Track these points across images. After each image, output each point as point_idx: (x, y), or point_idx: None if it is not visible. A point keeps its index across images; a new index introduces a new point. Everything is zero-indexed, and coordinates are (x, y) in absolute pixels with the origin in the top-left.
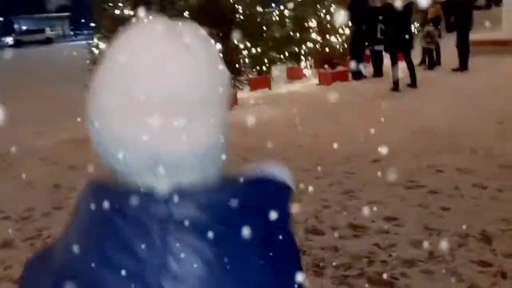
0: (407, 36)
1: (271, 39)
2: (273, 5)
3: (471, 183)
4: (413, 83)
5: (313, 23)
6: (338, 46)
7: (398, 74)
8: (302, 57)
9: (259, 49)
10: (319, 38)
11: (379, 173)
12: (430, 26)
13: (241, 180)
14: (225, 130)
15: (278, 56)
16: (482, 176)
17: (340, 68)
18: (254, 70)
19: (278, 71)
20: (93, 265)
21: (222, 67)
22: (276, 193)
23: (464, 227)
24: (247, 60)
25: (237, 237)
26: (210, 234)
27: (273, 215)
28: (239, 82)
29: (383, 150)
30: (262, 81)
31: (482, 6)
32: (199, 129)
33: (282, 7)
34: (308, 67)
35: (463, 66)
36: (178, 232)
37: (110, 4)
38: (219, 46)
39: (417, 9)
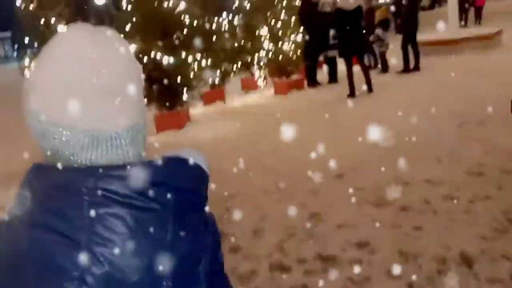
0: (359, 40)
1: (222, 50)
2: (223, 14)
3: (441, 195)
4: (369, 88)
5: (264, 31)
6: (291, 54)
7: (353, 79)
8: (256, 67)
9: (209, 61)
10: (271, 46)
11: (344, 191)
12: (378, 29)
13: (160, 159)
14: (145, 114)
15: (231, 67)
16: (451, 186)
17: (295, 77)
18: (205, 83)
19: (231, 83)
20: (34, 227)
21: (136, 62)
22: (190, 172)
23: (441, 249)
24: (197, 74)
25: (153, 208)
26: (131, 204)
27: (187, 193)
28: (191, 98)
29: (346, 163)
30: (216, 95)
31: (425, 7)
32: (126, 110)
33: (230, 16)
34: (263, 77)
35: (407, 67)
36: (104, 202)
37: (41, 21)
38: (167, 59)
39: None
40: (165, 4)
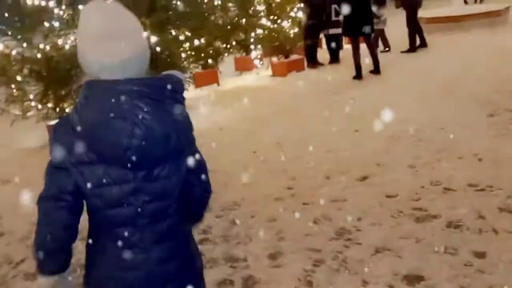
0: (367, 17)
1: (215, 28)
2: None
3: (496, 207)
4: (376, 69)
5: (261, 7)
6: (290, 32)
7: (360, 60)
8: (251, 46)
9: (202, 40)
10: (268, 24)
11: (373, 199)
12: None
13: (161, 75)
14: (146, 47)
15: (224, 46)
16: (504, 194)
17: (294, 57)
18: (198, 64)
19: (225, 63)
20: (98, 118)
21: (132, 18)
22: (180, 82)
23: None
24: (189, 53)
25: (165, 101)
26: (153, 99)
27: (180, 96)
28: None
29: (367, 161)
30: (208, 76)
31: None
32: (133, 44)
33: None
34: (259, 56)
35: (413, 46)
36: (137, 98)
37: None
38: (154, 38)
39: None
40: None
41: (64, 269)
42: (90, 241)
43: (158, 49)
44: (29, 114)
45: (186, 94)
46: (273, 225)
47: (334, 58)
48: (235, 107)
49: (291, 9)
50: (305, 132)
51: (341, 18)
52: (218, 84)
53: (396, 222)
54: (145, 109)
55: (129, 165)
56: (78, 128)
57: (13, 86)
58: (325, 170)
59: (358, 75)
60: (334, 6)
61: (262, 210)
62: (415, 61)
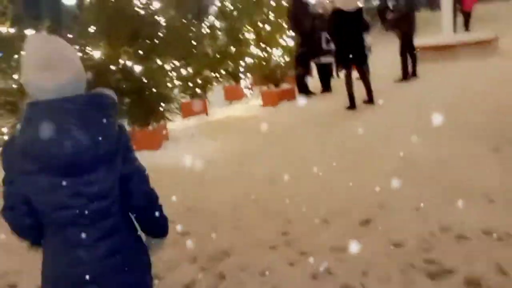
0: (360, 45)
1: (203, 56)
2: (204, 16)
3: None
4: (370, 99)
5: (250, 35)
6: (280, 60)
7: (352, 89)
8: (241, 75)
9: (190, 69)
10: (258, 52)
11: (380, 247)
12: None
13: (90, 93)
14: (81, 72)
15: (213, 75)
16: None
17: (285, 86)
18: (186, 94)
19: (214, 92)
20: (34, 134)
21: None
22: (108, 99)
23: None
24: (176, 83)
25: (94, 115)
26: (82, 114)
27: (108, 110)
28: (168, 111)
29: (367, 202)
30: (197, 106)
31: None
32: (67, 70)
33: (212, 18)
34: (248, 85)
35: (406, 74)
36: (67, 114)
37: None
38: (139, 68)
39: None
40: (135, 3)
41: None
42: (43, 241)
43: (143, 79)
44: None
45: (114, 110)
46: (267, 280)
47: (326, 87)
48: (224, 139)
49: (281, 37)
50: (299, 168)
51: (332, 46)
52: (207, 114)
53: (407, 278)
54: (74, 123)
55: (63, 172)
56: (20, 145)
57: None
58: (323, 212)
59: (352, 105)
60: (324, 34)
61: (254, 261)
62: (408, 90)
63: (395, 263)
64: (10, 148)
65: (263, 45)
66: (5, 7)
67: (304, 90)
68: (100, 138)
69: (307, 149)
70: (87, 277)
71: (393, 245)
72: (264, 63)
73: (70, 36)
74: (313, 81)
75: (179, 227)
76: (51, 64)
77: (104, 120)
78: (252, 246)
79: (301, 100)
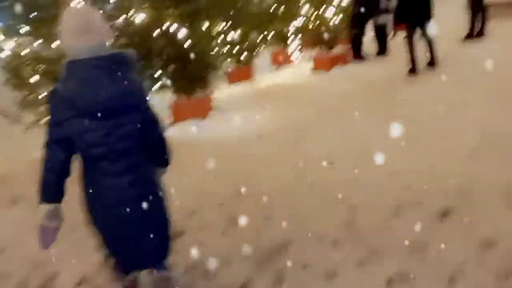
0: (426, 3)
1: (250, 18)
2: None
3: None
4: (432, 61)
5: None
6: (334, 21)
7: (414, 52)
8: (290, 37)
9: (237, 33)
10: (309, 12)
11: (467, 248)
12: None
13: (114, 53)
14: (106, 36)
15: (261, 38)
16: None
17: (338, 50)
18: (231, 59)
19: (260, 56)
20: (74, 85)
21: (100, 17)
22: (128, 57)
23: None
24: (222, 48)
25: (117, 70)
26: (109, 69)
27: (127, 67)
28: (214, 79)
29: (447, 188)
30: (243, 72)
31: None
32: (95, 36)
33: None
34: (298, 49)
35: (472, 32)
36: (99, 69)
37: None
38: (184, 31)
39: None
40: None
41: (58, 201)
42: (83, 173)
43: (189, 44)
44: (44, 120)
45: (134, 65)
46: (333, 283)
47: (382, 49)
48: (274, 110)
49: None
50: (359, 147)
51: (391, 4)
52: (254, 81)
53: None
54: (105, 77)
55: (98, 116)
56: (63, 94)
57: (26, 89)
58: (392, 200)
59: (413, 70)
60: None
61: (316, 260)
62: (477, 51)
63: (489, 270)
64: (54, 96)
65: (314, 4)
66: None
67: (360, 53)
68: (126, 89)
69: (367, 123)
70: (114, 200)
71: (483, 245)
72: (316, 24)
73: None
74: (368, 43)
75: (227, 214)
76: (82, 31)
77: (128, 75)
78: (312, 241)
79: (356, 65)
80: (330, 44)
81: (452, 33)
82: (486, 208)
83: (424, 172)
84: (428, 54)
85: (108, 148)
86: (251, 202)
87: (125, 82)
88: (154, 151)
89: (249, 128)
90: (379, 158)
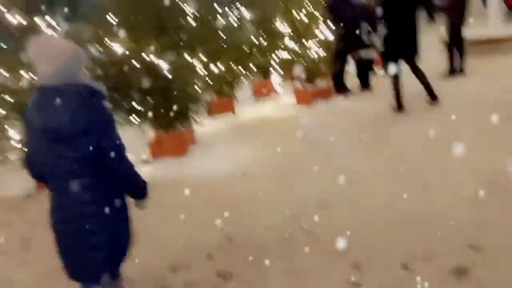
0: (412, 37)
1: (232, 50)
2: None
3: None
4: (433, 96)
5: (283, 27)
6: (316, 55)
7: (400, 87)
8: (271, 70)
9: (219, 65)
10: (292, 45)
11: None
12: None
13: (77, 84)
14: (69, 63)
15: (242, 70)
16: None
17: (320, 83)
18: (212, 91)
19: (241, 88)
20: (32, 108)
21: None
22: (95, 90)
23: None
24: (204, 81)
25: (75, 97)
26: (67, 97)
27: (92, 94)
28: (195, 113)
29: (458, 239)
30: (224, 105)
31: None
32: (56, 63)
33: (241, 8)
34: (279, 81)
35: (453, 69)
36: (55, 96)
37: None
38: (165, 64)
39: None
40: None
41: None
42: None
43: (169, 77)
44: (11, 157)
45: (104, 100)
46: None
47: (365, 84)
48: (258, 145)
49: (317, 29)
50: (353, 188)
51: (374, 39)
52: (234, 113)
53: None
54: (59, 104)
55: (53, 139)
56: (26, 116)
57: None
58: (400, 252)
59: (400, 106)
60: (365, 25)
61: None
62: (459, 88)
63: None
64: (23, 118)
65: (297, 38)
66: None
67: (342, 88)
68: (77, 118)
69: (358, 162)
70: (65, 219)
71: None
72: (298, 58)
73: (87, 27)
74: (351, 78)
75: (217, 269)
76: (41, 57)
77: (83, 104)
78: None
79: (339, 100)
80: (312, 78)
81: (433, 68)
82: (506, 267)
83: (430, 221)
84: (424, 90)
85: (63, 169)
86: (243, 253)
87: (78, 109)
88: (117, 180)
89: (233, 164)
90: (378, 201)
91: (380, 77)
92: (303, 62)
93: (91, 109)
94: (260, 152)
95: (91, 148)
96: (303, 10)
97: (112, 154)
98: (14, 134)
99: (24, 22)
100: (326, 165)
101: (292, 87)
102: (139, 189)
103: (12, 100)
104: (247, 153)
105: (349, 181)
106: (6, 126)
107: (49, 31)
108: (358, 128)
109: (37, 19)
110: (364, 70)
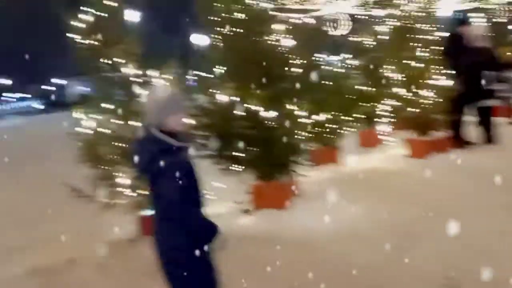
0: None
1: (338, 99)
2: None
3: None
4: None
5: (393, 74)
6: (431, 103)
7: None
8: (380, 119)
9: (323, 114)
10: (403, 93)
11: None
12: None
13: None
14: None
15: (348, 119)
16: None
17: (435, 134)
18: (316, 141)
19: (347, 137)
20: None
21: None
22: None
23: None
24: (307, 131)
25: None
26: (147, 147)
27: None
28: (298, 164)
29: None
30: (328, 155)
31: None
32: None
33: (346, 56)
34: (388, 131)
35: None
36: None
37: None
38: (268, 113)
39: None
40: (266, 42)
41: None
42: None
43: (272, 127)
44: (116, 202)
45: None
46: None
47: (489, 136)
48: (367, 202)
49: (432, 76)
50: (486, 262)
51: (496, 86)
52: (339, 164)
53: None
54: (144, 150)
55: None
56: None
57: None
58: None
59: None
60: (483, 72)
61: None
62: None
63: None
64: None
65: (409, 85)
66: (131, 46)
67: (462, 140)
68: (153, 164)
69: (489, 232)
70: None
71: None
72: (410, 106)
73: (195, 78)
74: (472, 128)
75: None
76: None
77: (156, 153)
78: None
79: (458, 153)
80: (426, 128)
81: None
82: None
83: None
84: None
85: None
86: None
87: (156, 159)
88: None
89: (339, 222)
90: None
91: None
92: (416, 110)
93: (167, 161)
94: (370, 212)
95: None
96: (416, 55)
97: (162, 199)
98: (124, 180)
99: (138, 73)
100: (453, 235)
101: (402, 138)
102: (193, 232)
103: (123, 146)
104: (355, 210)
105: (480, 258)
106: (117, 173)
107: (161, 83)
108: (486, 189)
109: (149, 72)
110: (487, 120)
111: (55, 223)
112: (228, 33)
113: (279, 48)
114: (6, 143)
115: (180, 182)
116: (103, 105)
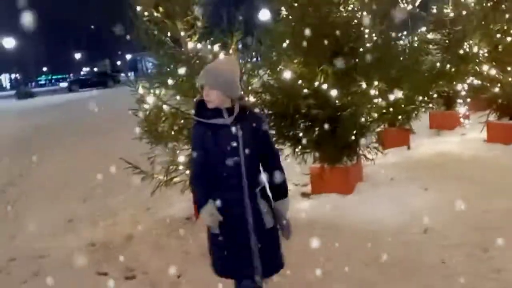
0: None
1: (413, 77)
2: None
3: None
4: None
5: (479, 50)
6: None
7: None
8: (457, 98)
9: (396, 93)
10: (489, 71)
11: None
12: None
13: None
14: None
15: (423, 99)
16: None
17: None
18: (385, 123)
19: (418, 119)
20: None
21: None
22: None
23: None
24: (377, 111)
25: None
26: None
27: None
28: (365, 147)
29: None
30: (398, 137)
31: None
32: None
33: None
34: (465, 112)
35: None
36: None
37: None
38: (335, 92)
39: None
40: (339, 14)
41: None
42: None
43: (341, 106)
44: (174, 179)
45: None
46: None
47: None
48: (440, 191)
49: None
50: None
51: None
52: (409, 148)
53: None
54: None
55: None
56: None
57: (161, 145)
58: None
59: None
60: None
61: None
62: None
63: None
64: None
65: (496, 61)
66: (194, 20)
67: None
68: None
69: None
70: None
71: None
72: (494, 85)
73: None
74: None
75: None
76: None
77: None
78: None
79: None
80: (509, 111)
81: None
82: None
83: None
84: None
85: None
86: None
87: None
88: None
89: (408, 213)
90: None
91: None
92: (501, 90)
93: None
94: (444, 203)
95: None
96: (506, 27)
97: None
98: (181, 158)
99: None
100: None
101: (482, 120)
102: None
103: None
104: (427, 200)
105: None
106: (175, 150)
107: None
108: None
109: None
110: None
111: (114, 198)
112: (298, 3)
113: (352, 20)
114: (64, 118)
115: (194, 154)
116: (165, 80)
